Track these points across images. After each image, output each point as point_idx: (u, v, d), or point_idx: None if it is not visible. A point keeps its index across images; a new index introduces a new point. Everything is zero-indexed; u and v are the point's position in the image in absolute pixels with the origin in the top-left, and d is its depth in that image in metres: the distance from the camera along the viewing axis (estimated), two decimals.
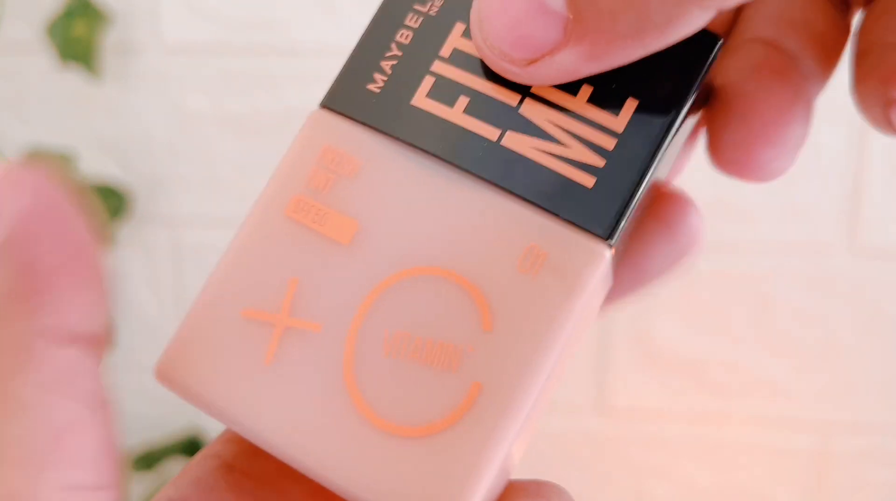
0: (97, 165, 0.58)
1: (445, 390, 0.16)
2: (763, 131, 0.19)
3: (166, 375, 0.17)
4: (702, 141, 0.21)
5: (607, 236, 0.17)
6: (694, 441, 0.56)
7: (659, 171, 0.18)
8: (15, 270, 0.14)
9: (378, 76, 0.19)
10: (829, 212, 0.52)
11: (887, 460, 0.55)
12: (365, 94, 0.19)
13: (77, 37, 0.54)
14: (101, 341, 0.16)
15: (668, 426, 0.56)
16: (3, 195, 0.15)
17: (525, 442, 0.18)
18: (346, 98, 0.19)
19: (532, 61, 0.16)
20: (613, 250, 0.17)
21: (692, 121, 0.19)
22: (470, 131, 0.17)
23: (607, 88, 0.17)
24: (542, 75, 0.17)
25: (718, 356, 0.55)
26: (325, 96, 0.19)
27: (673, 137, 0.17)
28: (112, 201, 0.57)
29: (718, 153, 0.20)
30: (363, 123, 0.18)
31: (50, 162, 0.55)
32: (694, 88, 0.17)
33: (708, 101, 0.20)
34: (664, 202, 0.20)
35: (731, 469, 0.56)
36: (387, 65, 0.19)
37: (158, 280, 0.60)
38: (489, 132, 0.17)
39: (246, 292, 0.17)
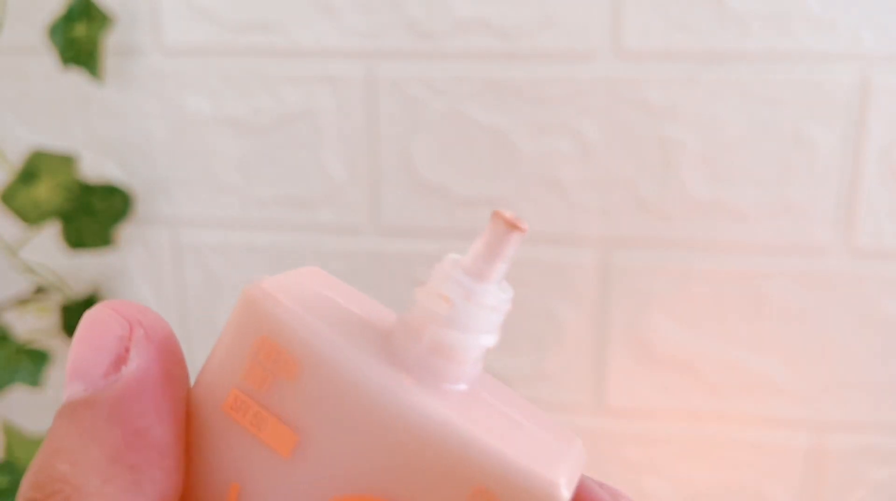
0: (98, 167, 0.58)
1: None
2: None
3: None
4: None
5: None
6: (691, 440, 0.56)
7: None
8: (123, 436, 0.15)
9: None
10: (824, 212, 0.52)
11: (883, 458, 0.55)
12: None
13: (78, 39, 0.54)
14: None
15: (666, 425, 0.57)
16: (135, 345, 0.16)
17: None
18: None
19: None
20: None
21: None
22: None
23: None
24: None
25: (715, 356, 0.55)
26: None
27: None
28: (114, 202, 0.57)
29: None
30: (304, 308, 0.16)
31: (55, 163, 0.55)
32: None
33: None
34: None
35: (729, 467, 0.56)
36: None
37: (159, 279, 0.60)
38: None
39: (194, 490, 0.17)
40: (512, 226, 0.16)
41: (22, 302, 0.58)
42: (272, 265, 0.58)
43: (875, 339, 0.54)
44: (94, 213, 0.57)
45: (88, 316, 0.16)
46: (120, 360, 0.16)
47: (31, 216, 0.55)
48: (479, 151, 0.54)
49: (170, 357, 0.16)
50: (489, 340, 0.17)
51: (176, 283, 0.60)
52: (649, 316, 0.55)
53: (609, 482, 0.58)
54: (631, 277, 0.55)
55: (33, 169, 0.55)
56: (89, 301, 0.59)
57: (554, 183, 0.54)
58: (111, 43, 0.56)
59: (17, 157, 0.58)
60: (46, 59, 0.57)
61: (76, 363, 0.16)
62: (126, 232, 0.59)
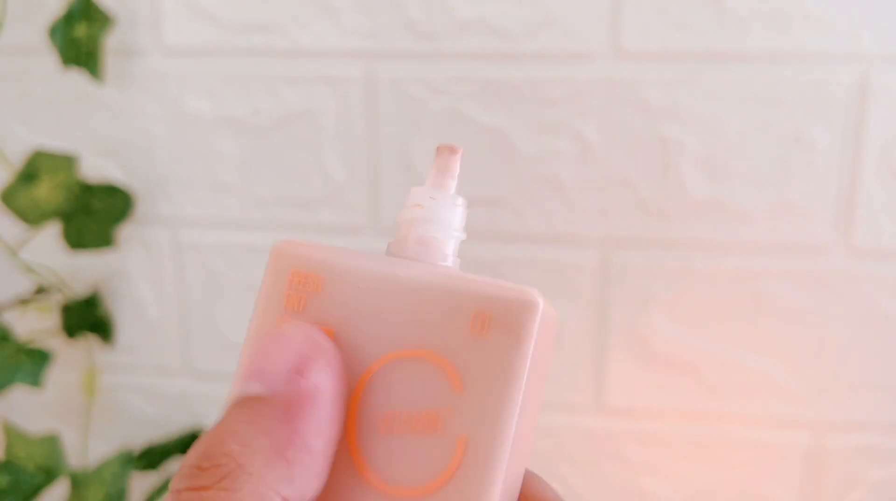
0: (99, 167, 0.58)
1: (437, 450, 0.20)
2: None
3: None
4: None
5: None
6: (690, 440, 0.57)
7: None
8: (289, 434, 0.18)
9: None
10: (824, 212, 0.52)
11: (882, 458, 0.55)
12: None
13: (78, 39, 0.54)
14: None
15: (665, 425, 0.57)
16: (315, 365, 0.20)
17: (525, 459, 0.22)
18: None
19: None
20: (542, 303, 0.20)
21: None
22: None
23: None
24: None
25: (714, 356, 0.55)
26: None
27: None
28: (114, 202, 0.57)
29: None
30: (319, 246, 0.22)
31: (55, 163, 0.55)
32: None
33: None
34: None
35: (728, 467, 0.57)
36: None
37: (159, 280, 0.60)
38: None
39: None
40: (452, 151, 0.23)
41: (22, 302, 0.58)
42: None
43: (875, 339, 0.54)
44: (94, 213, 0.57)
45: (282, 332, 0.20)
46: (299, 372, 0.19)
47: (31, 216, 0.55)
48: (479, 151, 0.54)
49: (340, 386, 0.20)
50: (458, 235, 0.23)
51: (176, 283, 0.60)
52: (649, 316, 0.55)
53: (609, 482, 0.58)
54: (631, 277, 0.55)
55: (33, 169, 0.55)
56: (89, 301, 0.59)
57: (554, 183, 0.54)
58: (111, 43, 0.56)
59: (17, 157, 0.58)
60: (47, 60, 0.57)
61: (257, 367, 0.19)
62: (126, 232, 0.59)
